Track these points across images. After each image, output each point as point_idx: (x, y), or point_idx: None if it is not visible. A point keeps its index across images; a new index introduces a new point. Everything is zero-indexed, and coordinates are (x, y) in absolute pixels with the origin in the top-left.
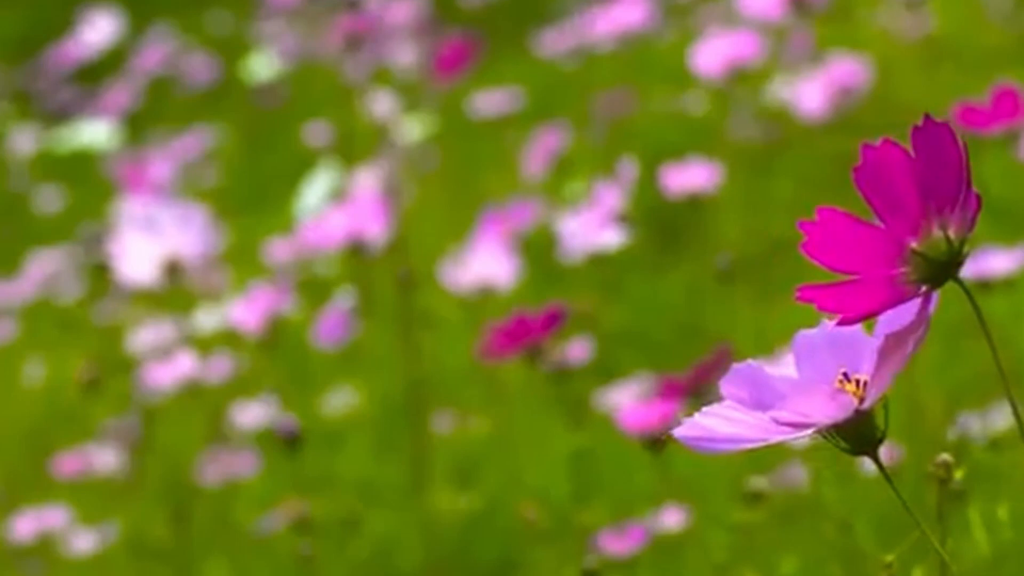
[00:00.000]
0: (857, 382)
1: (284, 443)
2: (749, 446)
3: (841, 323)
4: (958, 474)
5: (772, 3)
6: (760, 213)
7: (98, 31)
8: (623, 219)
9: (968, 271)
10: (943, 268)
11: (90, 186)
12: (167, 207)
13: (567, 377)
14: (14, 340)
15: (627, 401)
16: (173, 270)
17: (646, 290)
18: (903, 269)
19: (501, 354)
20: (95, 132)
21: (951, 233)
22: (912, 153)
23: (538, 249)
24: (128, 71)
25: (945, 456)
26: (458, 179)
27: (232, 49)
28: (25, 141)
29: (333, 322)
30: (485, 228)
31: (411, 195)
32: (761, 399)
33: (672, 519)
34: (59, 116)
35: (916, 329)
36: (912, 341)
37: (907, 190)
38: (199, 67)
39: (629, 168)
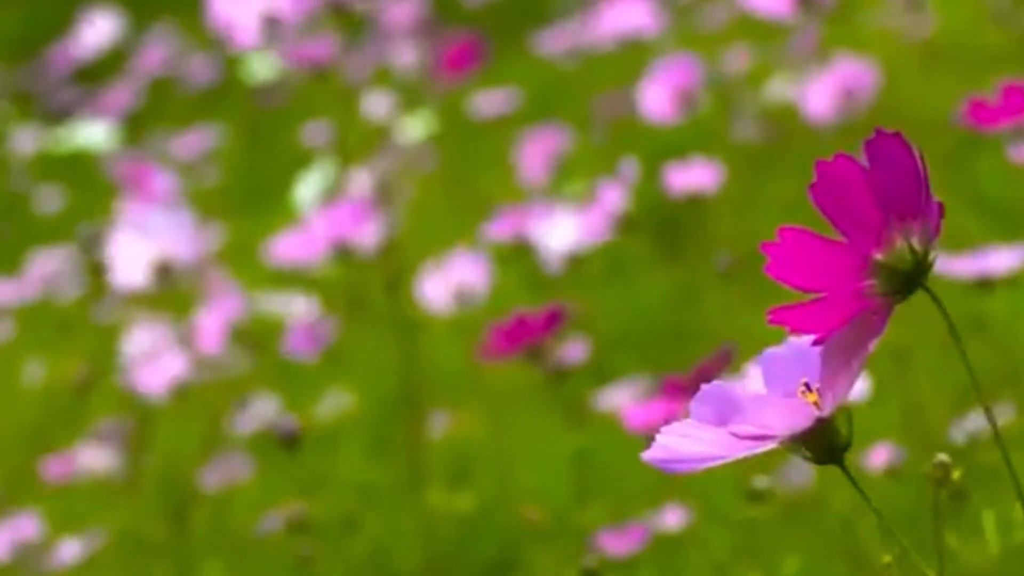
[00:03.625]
0: (819, 391)
1: (283, 443)
2: (717, 463)
3: (815, 343)
4: (955, 474)
5: (779, 1)
6: (759, 213)
7: (98, 31)
8: (625, 219)
9: (968, 270)
10: (910, 278)
11: (90, 186)
12: (157, 210)
13: (564, 377)
14: (13, 340)
15: (625, 401)
16: (164, 273)
17: (643, 290)
18: (870, 282)
19: (501, 354)
20: (95, 132)
21: (915, 242)
22: (867, 165)
23: (536, 249)
24: (128, 71)
25: (942, 456)
26: (457, 179)
27: (232, 49)
28: (25, 141)
29: (310, 327)
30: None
31: (409, 195)
32: (725, 416)
33: (672, 518)
34: (59, 116)
35: (870, 332)
36: (868, 344)
37: (866, 203)
38: (199, 67)
39: (631, 168)
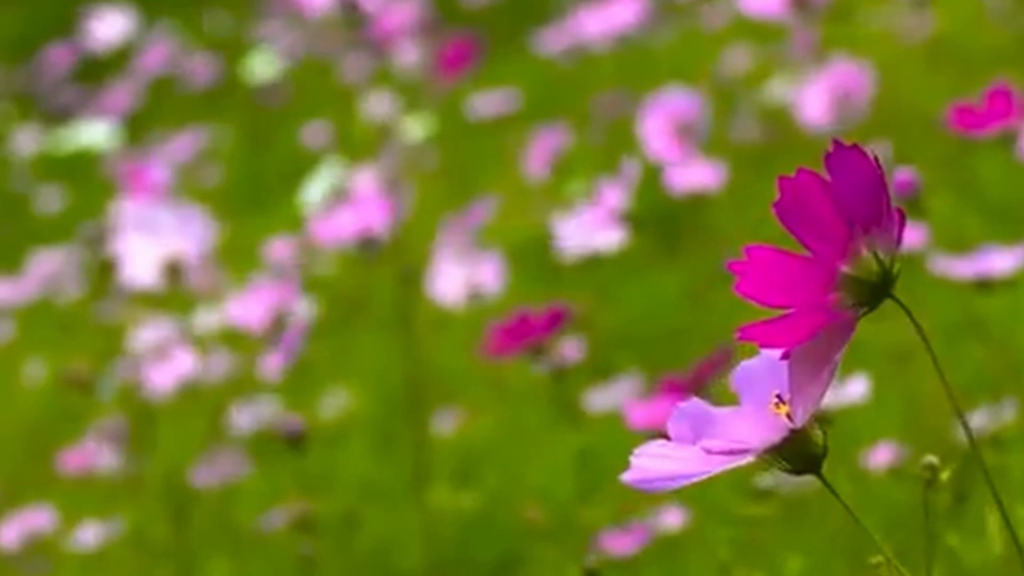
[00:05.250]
0: (789, 403)
1: (288, 442)
2: (695, 479)
3: (784, 357)
4: (944, 475)
5: (774, 2)
6: (760, 213)
7: (109, 27)
8: (626, 218)
9: (968, 271)
10: (877, 288)
11: (91, 186)
12: (166, 208)
13: (565, 376)
14: (14, 340)
15: (625, 400)
16: (173, 271)
17: (643, 290)
18: (837, 295)
19: (503, 353)
20: (96, 132)
21: (880, 253)
22: (828, 178)
23: (536, 249)
24: (129, 71)
25: (931, 458)
26: (458, 179)
27: (233, 49)
28: (26, 141)
29: (288, 338)
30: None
31: (411, 195)
32: (701, 434)
33: (674, 518)
34: (60, 116)
35: (838, 343)
36: (836, 354)
37: (830, 216)
38: (200, 67)
39: (632, 167)
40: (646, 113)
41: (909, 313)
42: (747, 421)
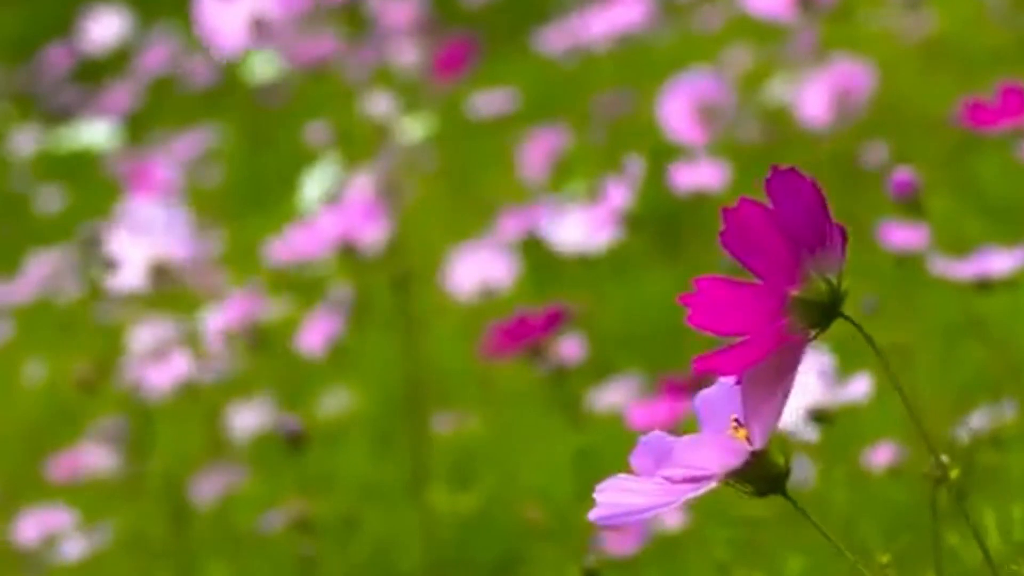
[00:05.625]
0: (745, 426)
1: (287, 443)
2: (654, 513)
3: (739, 382)
4: (953, 474)
5: (779, 2)
6: None
7: (105, 28)
8: (629, 217)
9: (968, 271)
10: (828, 309)
11: (91, 186)
12: (154, 209)
13: (565, 376)
14: (13, 340)
15: (626, 400)
16: (161, 273)
17: (644, 290)
18: (789, 319)
19: (502, 353)
20: (96, 132)
21: (827, 273)
22: (770, 205)
23: (536, 249)
24: (129, 71)
25: (942, 457)
26: (458, 179)
27: (219, 56)
28: (26, 141)
29: (322, 325)
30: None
31: (411, 195)
32: (662, 464)
33: (673, 518)
34: (60, 116)
35: (790, 364)
36: (789, 375)
37: (774, 241)
38: (200, 67)
39: (636, 166)
40: (666, 95)
41: (861, 329)
42: (706, 447)
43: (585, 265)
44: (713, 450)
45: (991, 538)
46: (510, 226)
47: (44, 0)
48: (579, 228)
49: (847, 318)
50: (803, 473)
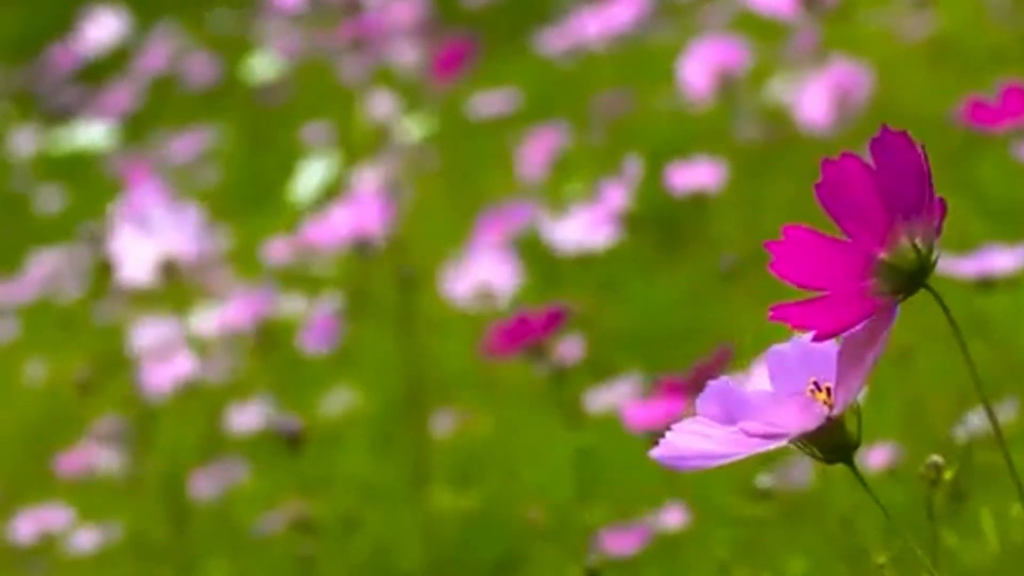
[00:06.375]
0: (828, 391)
1: (287, 443)
2: (723, 461)
3: (815, 339)
4: (947, 475)
5: (782, 0)
6: (760, 213)
7: (104, 29)
8: (627, 218)
9: (970, 270)
10: (913, 277)
11: (90, 186)
12: (162, 207)
13: (565, 376)
14: (14, 340)
15: (626, 400)
16: (169, 270)
17: (644, 290)
18: (873, 281)
19: (502, 353)
20: (95, 132)
21: (918, 241)
22: (872, 164)
23: (536, 249)
24: (129, 71)
25: (936, 458)
26: (458, 179)
27: (233, 49)
28: (25, 141)
29: (323, 324)
30: (483, 231)
31: (411, 195)
32: (733, 414)
33: (674, 518)
34: (60, 116)
35: (880, 332)
36: (878, 344)
37: (870, 202)
38: (200, 66)
39: (634, 166)
40: (687, 57)
41: (943, 304)
42: (784, 406)
43: (586, 266)
44: (793, 410)
45: (990, 538)
46: (509, 226)
47: (44, 0)
48: (579, 228)
49: (930, 289)
50: (801, 474)
